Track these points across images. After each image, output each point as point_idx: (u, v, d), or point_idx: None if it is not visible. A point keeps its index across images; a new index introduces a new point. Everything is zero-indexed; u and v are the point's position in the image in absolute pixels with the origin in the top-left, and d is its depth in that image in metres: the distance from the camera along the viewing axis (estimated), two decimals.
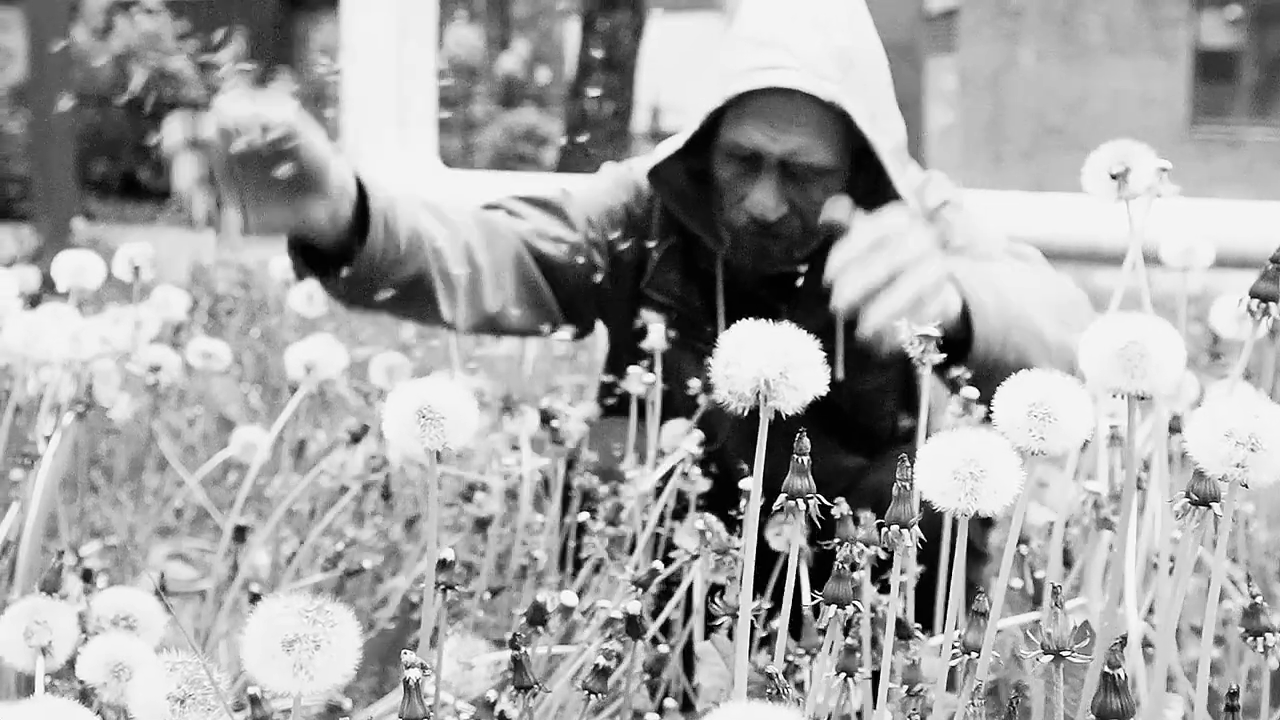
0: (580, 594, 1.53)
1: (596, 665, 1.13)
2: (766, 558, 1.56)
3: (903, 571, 1.25)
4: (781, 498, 0.95)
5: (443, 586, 1.07)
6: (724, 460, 1.73)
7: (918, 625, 1.21)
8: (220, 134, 1.43)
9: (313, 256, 1.61)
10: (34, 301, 2.50)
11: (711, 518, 1.41)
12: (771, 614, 1.44)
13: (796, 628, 1.25)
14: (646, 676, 1.39)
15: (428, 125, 8.06)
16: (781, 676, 0.96)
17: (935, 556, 1.35)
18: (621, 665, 1.31)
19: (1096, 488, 1.48)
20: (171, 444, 2.70)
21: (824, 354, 0.93)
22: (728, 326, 0.97)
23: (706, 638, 1.43)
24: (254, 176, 1.46)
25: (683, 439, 1.60)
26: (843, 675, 1.02)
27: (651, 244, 1.88)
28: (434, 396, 1.02)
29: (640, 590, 1.33)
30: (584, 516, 1.55)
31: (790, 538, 1.50)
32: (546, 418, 1.65)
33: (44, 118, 5.75)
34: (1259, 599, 1.02)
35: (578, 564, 1.64)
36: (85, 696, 1.07)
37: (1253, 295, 1.09)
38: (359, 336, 4.13)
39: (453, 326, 1.74)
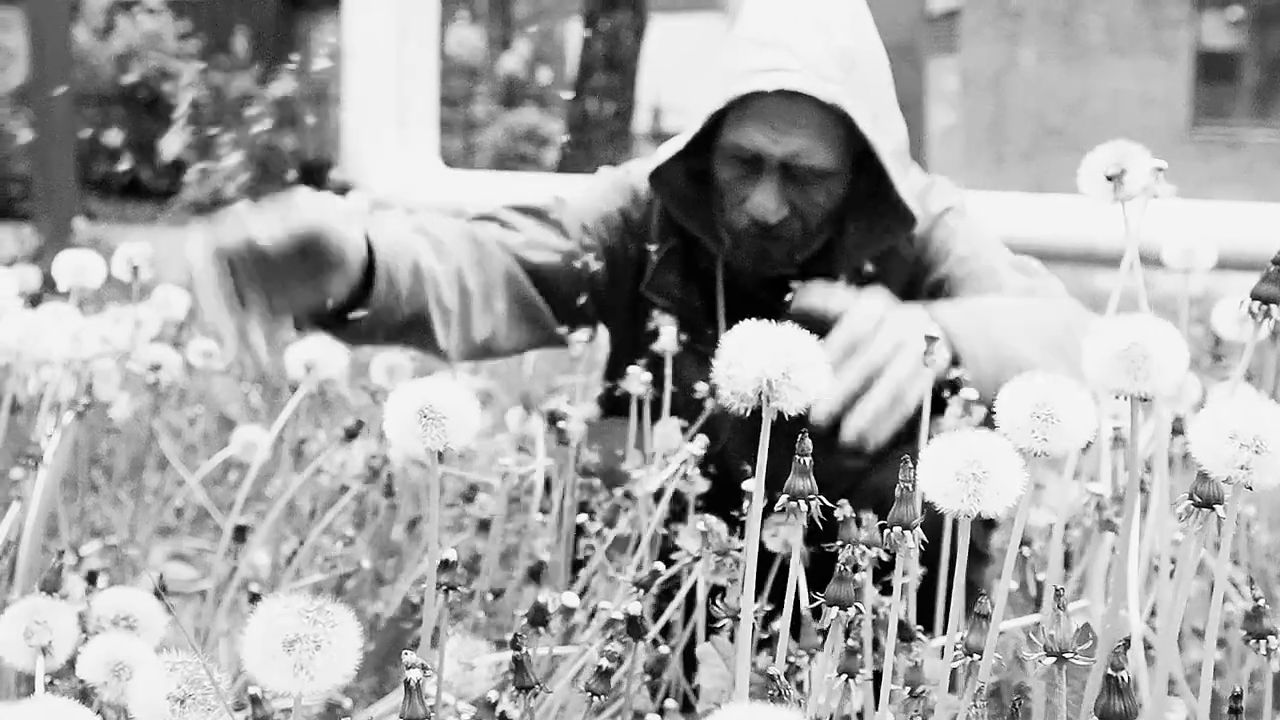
0: (581, 594, 1.53)
1: (600, 667, 1.13)
2: (764, 559, 1.56)
3: (905, 573, 1.25)
4: (783, 498, 0.95)
5: (445, 587, 1.07)
6: (724, 461, 1.73)
7: (919, 627, 1.21)
8: (243, 247, 1.43)
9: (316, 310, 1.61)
10: (35, 301, 2.50)
11: (712, 519, 1.41)
12: (771, 616, 1.44)
13: (795, 628, 1.25)
14: (647, 677, 1.39)
15: (428, 125, 8.05)
16: (783, 678, 0.96)
17: (936, 558, 1.35)
18: (623, 666, 1.30)
19: (1099, 489, 1.48)
20: (172, 443, 2.70)
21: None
22: (728, 328, 0.96)
23: (707, 639, 1.42)
24: (280, 277, 1.45)
25: (675, 438, 1.60)
26: (844, 677, 1.02)
27: (651, 247, 1.88)
28: (435, 396, 1.02)
29: (642, 591, 1.33)
30: (582, 518, 1.55)
31: (787, 539, 1.50)
32: (555, 419, 1.65)
33: (45, 117, 5.75)
34: (1261, 601, 1.01)
35: (579, 565, 1.64)
36: (85, 696, 1.07)
37: (1253, 297, 1.09)
38: None
39: (446, 356, 1.74)
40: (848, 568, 1.00)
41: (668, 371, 1.66)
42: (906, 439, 1.39)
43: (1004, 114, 16.25)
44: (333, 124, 12.67)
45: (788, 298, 1.82)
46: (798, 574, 1.16)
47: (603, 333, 1.99)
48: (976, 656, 0.98)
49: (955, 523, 1.09)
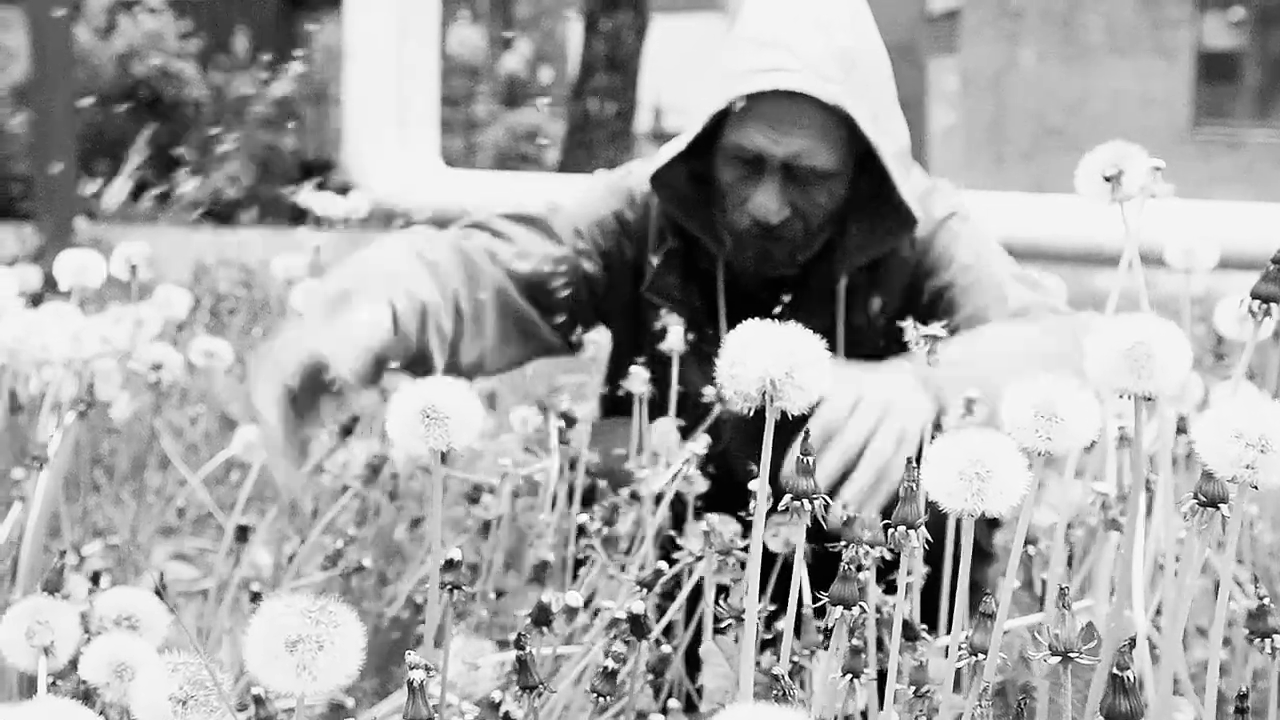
0: (587, 602, 1.53)
1: (605, 667, 1.13)
2: (766, 559, 1.56)
3: (909, 572, 1.24)
4: (786, 498, 0.95)
5: (449, 586, 1.07)
6: (725, 460, 1.73)
7: (923, 626, 1.21)
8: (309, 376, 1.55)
9: None
10: (36, 300, 2.49)
11: (715, 518, 1.40)
12: (774, 615, 1.44)
13: (798, 627, 1.25)
14: (650, 677, 1.39)
15: (429, 125, 8.05)
16: (787, 677, 0.96)
17: (940, 557, 1.35)
18: (626, 666, 1.30)
19: (1104, 489, 1.48)
20: (174, 443, 2.70)
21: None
22: (730, 329, 0.96)
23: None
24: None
25: (673, 437, 1.60)
26: (849, 676, 1.02)
27: (649, 248, 1.88)
28: (438, 396, 1.01)
29: (645, 590, 1.33)
30: (583, 518, 1.55)
31: (789, 538, 1.50)
32: (569, 420, 1.65)
33: (45, 117, 5.74)
34: (1266, 600, 1.01)
35: (579, 564, 1.64)
36: (88, 697, 1.06)
37: (1254, 296, 1.09)
38: None
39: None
40: (851, 567, 1.00)
41: (674, 371, 1.65)
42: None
43: (1004, 114, 16.25)
44: (333, 124, 12.67)
45: (787, 298, 1.82)
46: (801, 573, 1.16)
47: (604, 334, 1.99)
48: (981, 656, 0.98)
49: (959, 522, 1.09)
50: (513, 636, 1.10)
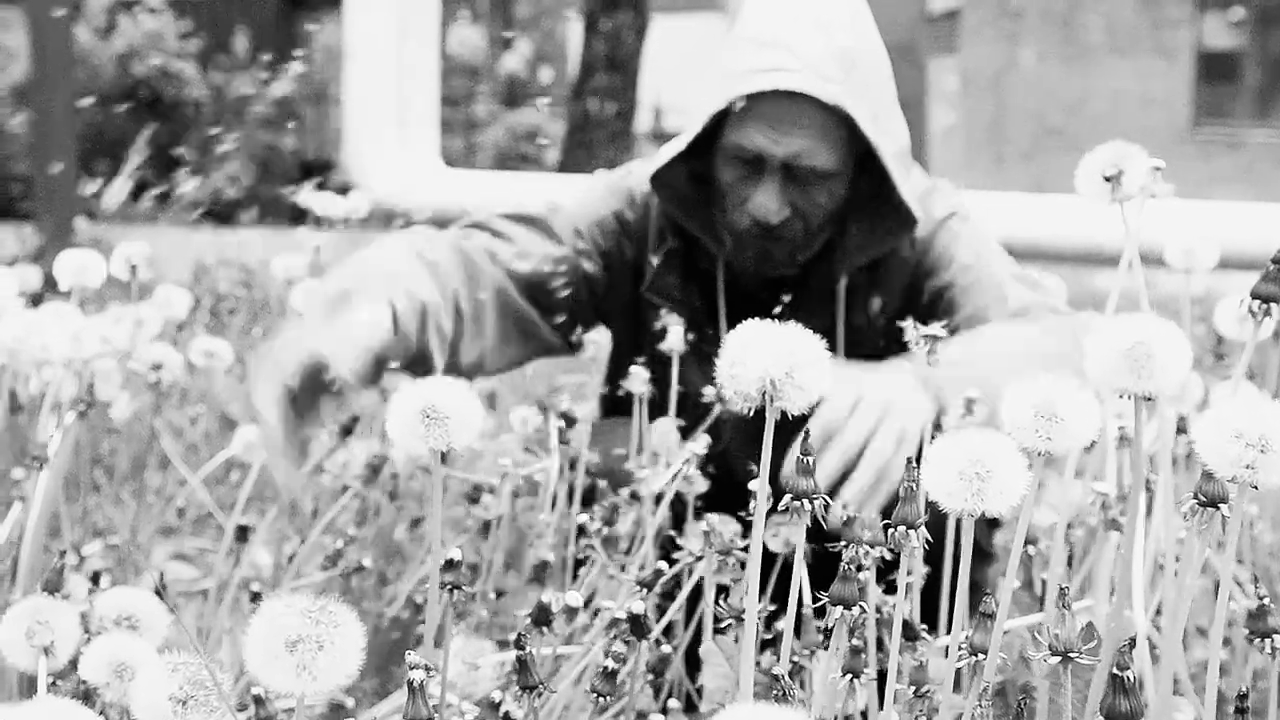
0: (587, 603, 1.53)
1: (605, 667, 1.13)
2: (765, 559, 1.56)
3: (909, 572, 1.24)
4: (786, 498, 0.95)
5: (449, 586, 1.07)
6: (725, 460, 1.73)
7: (923, 626, 1.21)
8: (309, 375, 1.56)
9: None
10: (36, 300, 2.49)
11: (715, 518, 1.40)
12: (774, 615, 1.44)
13: (796, 627, 1.25)
14: (650, 677, 1.39)
15: (429, 125, 8.04)
16: (787, 677, 0.96)
17: (939, 557, 1.35)
18: (626, 666, 1.30)
19: (1104, 489, 1.48)
20: (174, 443, 2.70)
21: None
22: (730, 329, 0.96)
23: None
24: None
25: (673, 437, 1.60)
26: (849, 676, 1.02)
27: (649, 248, 1.88)
28: (438, 396, 1.01)
29: (645, 590, 1.33)
30: (583, 518, 1.55)
31: (789, 538, 1.50)
32: (569, 420, 1.65)
33: (45, 117, 5.74)
34: (1266, 600, 1.01)
35: (579, 564, 1.64)
36: (88, 697, 1.06)
37: (1254, 296, 1.09)
38: None
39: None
40: (851, 567, 1.00)
41: (674, 371, 1.65)
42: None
43: (1004, 114, 16.25)
44: (333, 124, 12.67)
45: (787, 298, 1.82)
46: (801, 573, 1.16)
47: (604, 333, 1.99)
48: (981, 656, 0.98)
49: (959, 522, 1.09)
50: (513, 636, 1.10)
